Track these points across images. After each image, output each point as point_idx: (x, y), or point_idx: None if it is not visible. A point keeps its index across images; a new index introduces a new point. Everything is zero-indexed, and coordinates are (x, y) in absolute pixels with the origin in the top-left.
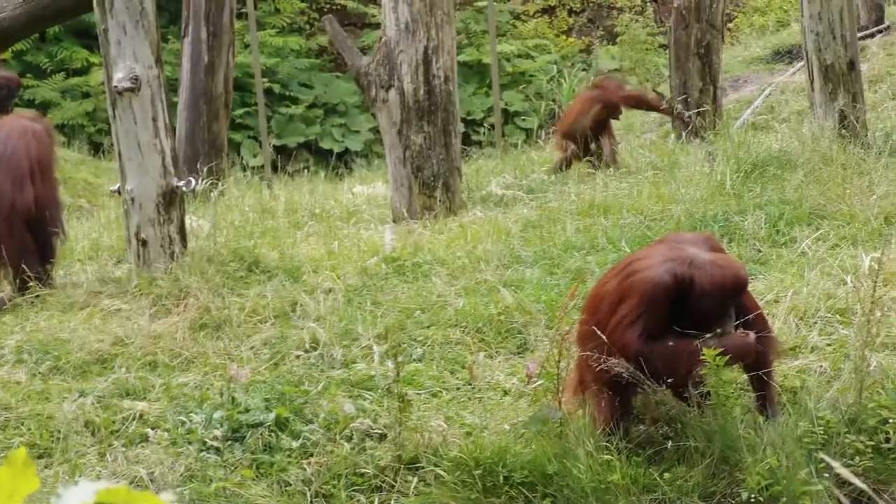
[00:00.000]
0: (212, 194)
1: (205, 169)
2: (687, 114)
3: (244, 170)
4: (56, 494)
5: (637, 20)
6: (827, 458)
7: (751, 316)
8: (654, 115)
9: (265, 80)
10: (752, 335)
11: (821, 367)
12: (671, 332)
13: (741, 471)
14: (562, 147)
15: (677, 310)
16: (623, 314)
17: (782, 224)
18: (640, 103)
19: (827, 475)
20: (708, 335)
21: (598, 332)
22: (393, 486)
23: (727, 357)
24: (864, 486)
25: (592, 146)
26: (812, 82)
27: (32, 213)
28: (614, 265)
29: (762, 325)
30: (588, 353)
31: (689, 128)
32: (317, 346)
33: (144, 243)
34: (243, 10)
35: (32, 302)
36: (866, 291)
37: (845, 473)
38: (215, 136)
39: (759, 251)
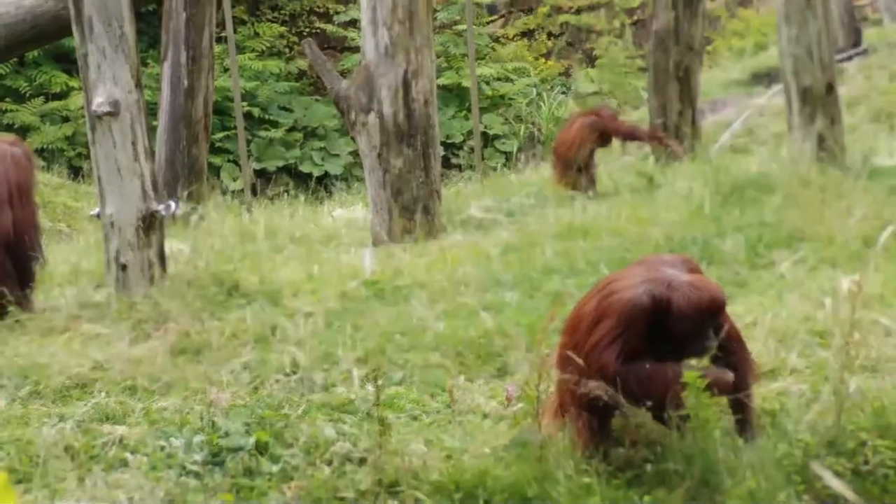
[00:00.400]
0: (192, 218)
1: (185, 193)
2: (680, 148)
3: (224, 193)
4: None
5: (616, 43)
6: (818, 470)
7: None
8: None
9: (245, 103)
10: (730, 374)
11: (800, 389)
12: (649, 355)
13: (721, 493)
14: (561, 172)
15: (655, 332)
16: (601, 335)
17: (761, 247)
18: (633, 136)
19: (807, 497)
20: (686, 359)
21: (575, 354)
22: None
23: (706, 382)
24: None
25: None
26: (790, 105)
27: (11, 238)
28: (594, 286)
29: (740, 348)
30: (567, 375)
31: (680, 160)
32: (297, 370)
33: (124, 267)
34: (223, 35)
35: (11, 326)
36: (845, 314)
37: (837, 486)
38: (195, 159)
39: (738, 274)
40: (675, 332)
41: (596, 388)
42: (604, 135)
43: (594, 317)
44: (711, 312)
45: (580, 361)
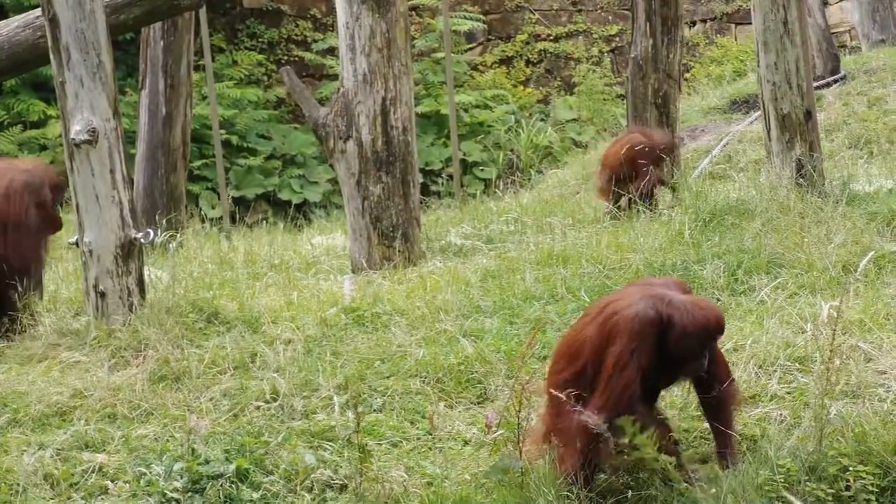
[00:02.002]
0: (170, 246)
1: (163, 221)
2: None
3: (203, 221)
4: None
5: (594, 70)
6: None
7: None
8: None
9: (223, 131)
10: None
11: (781, 415)
12: (656, 372)
13: None
14: (606, 194)
15: (658, 349)
16: (616, 355)
17: (741, 273)
18: (671, 151)
19: None
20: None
21: (579, 380)
22: None
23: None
24: None
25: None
26: (769, 132)
27: None
28: (584, 313)
29: (725, 373)
30: (565, 401)
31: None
32: (277, 397)
33: (103, 295)
34: (201, 63)
35: None
36: (825, 339)
37: None
38: (173, 187)
39: (719, 300)
40: (675, 350)
41: (598, 415)
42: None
43: (599, 341)
44: (715, 332)
45: (587, 384)
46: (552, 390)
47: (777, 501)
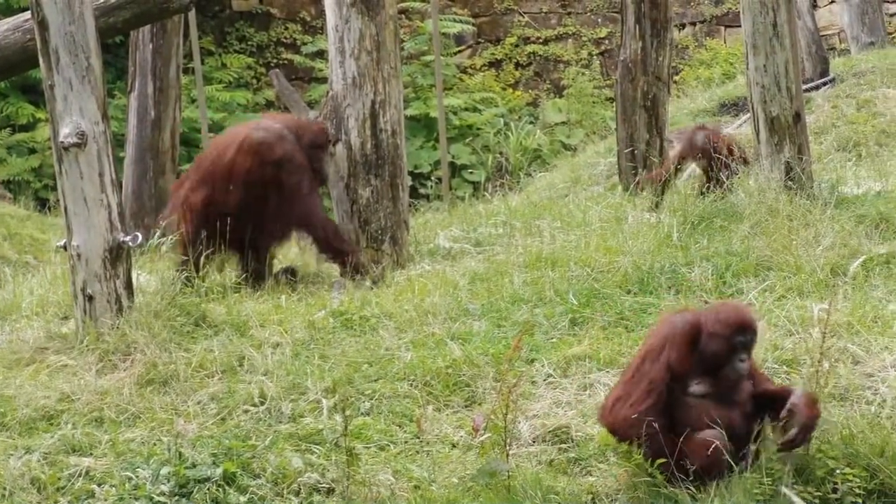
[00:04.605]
0: (161, 249)
1: (152, 224)
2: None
3: None
4: None
5: (583, 73)
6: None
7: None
8: (600, 166)
9: (212, 134)
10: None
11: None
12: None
13: None
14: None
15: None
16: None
17: (729, 275)
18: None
19: None
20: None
21: None
22: None
23: None
24: None
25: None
26: (758, 134)
27: None
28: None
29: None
30: None
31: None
32: (264, 401)
33: (91, 299)
34: (190, 65)
35: None
36: (814, 342)
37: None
38: (162, 190)
39: (707, 302)
40: (707, 355)
41: None
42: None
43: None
44: (741, 328)
45: None
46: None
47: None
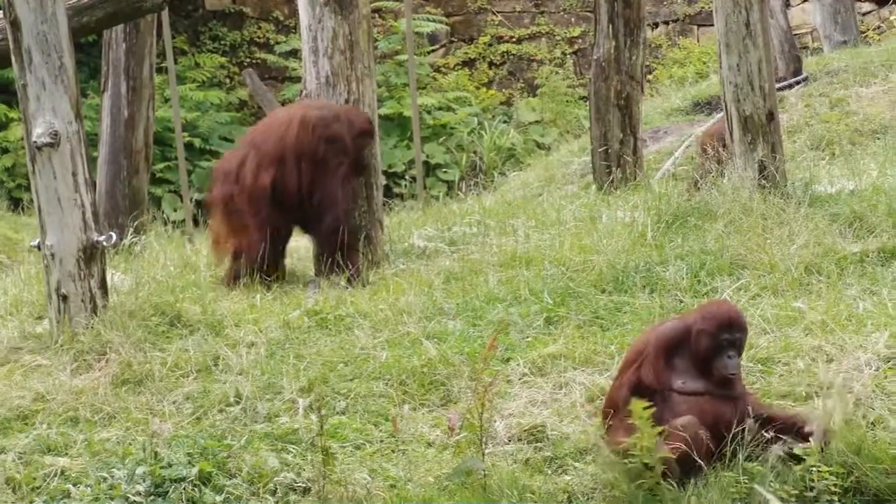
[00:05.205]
0: (135, 248)
1: (126, 224)
2: None
3: (165, 224)
4: None
5: (557, 72)
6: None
7: None
8: (574, 165)
9: (186, 134)
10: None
11: None
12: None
13: None
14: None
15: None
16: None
17: (703, 274)
18: None
19: None
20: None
21: None
22: None
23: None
24: None
25: None
26: (731, 133)
27: None
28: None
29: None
30: None
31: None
32: (240, 400)
33: (65, 298)
34: (163, 65)
35: None
36: (788, 341)
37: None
38: (136, 190)
39: (681, 301)
40: (697, 353)
41: None
42: None
43: None
44: (727, 324)
45: None
46: None
47: (740, 503)
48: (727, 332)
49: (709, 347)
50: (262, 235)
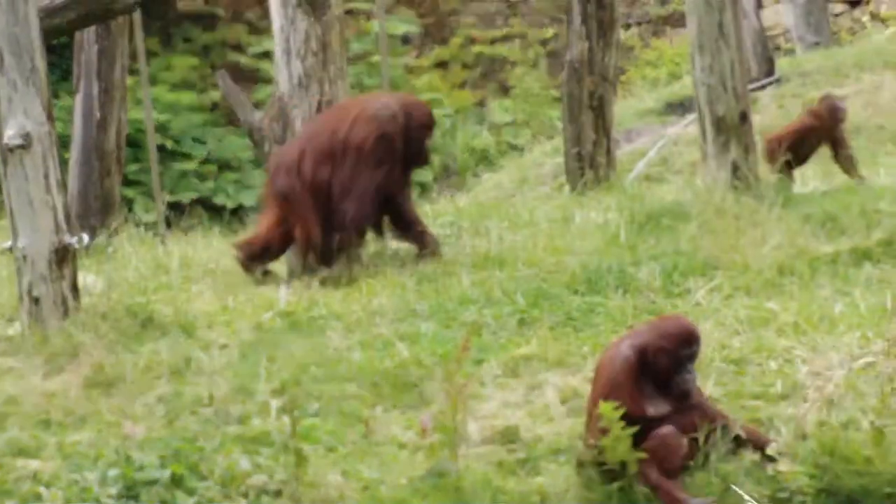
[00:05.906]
0: (107, 250)
1: (98, 225)
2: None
3: (137, 226)
4: None
5: (530, 74)
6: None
7: None
8: (547, 166)
9: (158, 135)
10: None
11: None
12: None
13: None
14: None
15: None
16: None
17: (676, 275)
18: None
19: None
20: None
21: None
22: None
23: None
24: None
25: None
26: (704, 134)
27: None
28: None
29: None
30: None
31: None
32: (212, 403)
33: (37, 301)
34: (135, 67)
35: None
36: (761, 342)
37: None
38: (108, 192)
39: (654, 302)
40: (657, 370)
41: None
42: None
43: None
44: (686, 341)
45: None
46: None
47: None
48: (686, 348)
49: (669, 365)
50: (325, 228)
